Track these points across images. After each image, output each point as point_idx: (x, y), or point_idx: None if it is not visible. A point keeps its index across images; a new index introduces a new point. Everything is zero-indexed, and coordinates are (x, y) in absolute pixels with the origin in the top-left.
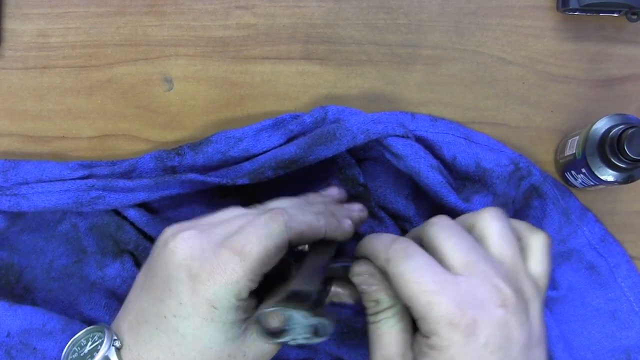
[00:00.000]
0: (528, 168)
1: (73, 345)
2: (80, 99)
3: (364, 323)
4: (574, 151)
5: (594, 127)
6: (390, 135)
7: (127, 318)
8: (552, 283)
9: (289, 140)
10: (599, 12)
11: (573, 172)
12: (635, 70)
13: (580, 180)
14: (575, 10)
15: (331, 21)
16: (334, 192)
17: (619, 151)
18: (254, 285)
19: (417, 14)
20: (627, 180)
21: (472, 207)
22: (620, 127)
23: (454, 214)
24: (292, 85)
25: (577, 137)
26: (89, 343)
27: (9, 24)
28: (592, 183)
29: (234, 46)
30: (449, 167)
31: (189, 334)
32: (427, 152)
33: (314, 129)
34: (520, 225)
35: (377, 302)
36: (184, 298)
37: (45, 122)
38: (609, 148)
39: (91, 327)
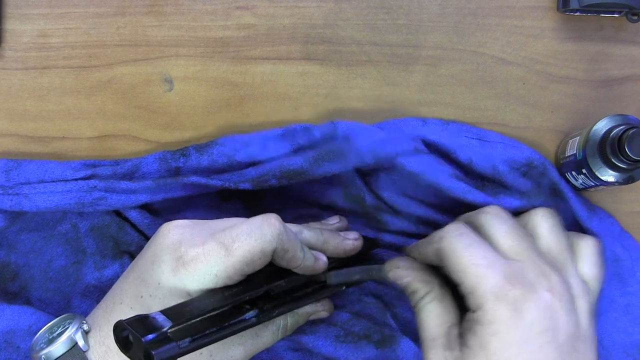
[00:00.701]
0: (543, 165)
1: (45, 332)
2: (81, 100)
3: (360, 327)
4: (575, 152)
5: (595, 127)
6: (400, 155)
7: (104, 303)
8: None
9: (295, 151)
10: (599, 12)
11: (574, 172)
12: (635, 70)
13: (581, 181)
14: (576, 10)
15: (331, 21)
16: (334, 220)
17: (619, 152)
18: (230, 282)
19: (417, 14)
20: (628, 180)
21: (504, 202)
22: (621, 127)
23: None
24: (292, 86)
25: (578, 137)
26: (60, 329)
27: (9, 24)
28: (592, 184)
29: (234, 46)
30: (465, 170)
31: None
32: (442, 161)
33: (322, 143)
34: (572, 233)
35: (414, 292)
36: (163, 279)
37: (45, 122)
38: (609, 149)
39: (65, 315)
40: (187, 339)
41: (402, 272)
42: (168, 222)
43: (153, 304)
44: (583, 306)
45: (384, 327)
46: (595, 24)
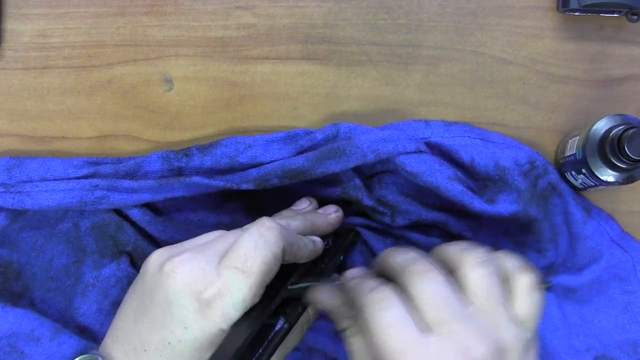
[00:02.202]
0: (545, 166)
1: None
2: (80, 99)
3: None
4: (574, 151)
5: (594, 127)
6: (401, 154)
7: (120, 346)
8: (577, 273)
9: (298, 154)
10: (599, 12)
11: (573, 172)
12: (635, 70)
13: (581, 181)
14: (576, 10)
15: (331, 21)
16: (304, 204)
17: (619, 151)
18: (257, 299)
19: (417, 14)
20: (627, 180)
21: (498, 209)
22: (621, 127)
23: (480, 217)
24: (292, 85)
25: (578, 137)
26: None
27: (9, 24)
28: (592, 183)
29: (234, 46)
30: (467, 170)
31: (196, 357)
32: (443, 162)
33: (325, 144)
34: (508, 263)
35: (335, 322)
36: (190, 323)
37: (45, 122)
38: (609, 148)
39: (83, 356)
40: None
41: (321, 305)
42: (167, 257)
43: (185, 349)
44: (516, 358)
45: None
46: (595, 24)
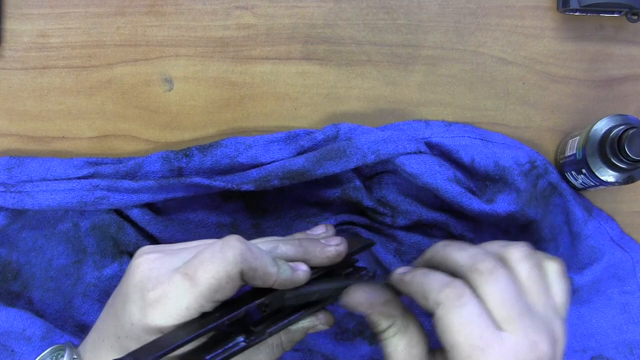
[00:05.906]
0: (545, 166)
1: None
2: (80, 99)
3: (353, 323)
4: (574, 152)
5: (594, 127)
6: (402, 154)
7: (92, 335)
8: (578, 273)
9: (298, 154)
10: (599, 12)
11: (573, 172)
12: (635, 70)
13: (581, 181)
14: (576, 10)
15: (331, 21)
16: (320, 230)
17: (619, 152)
18: (206, 310)
19: (417, 14)
20: (628, 180)
21: (497, 208)
22: (621, 127)
23: (479, 217)
24: (292, 86)
25: (578, 137)
26: None
27: (9, 24)
28: (592, 183)
29: (234, 46)
30: (467, 170)
31: None
32: (442, 163)
33: (325, 145)
34: (539, 253)
35: (375, 324)
36: (134, 319)
37: (45, 122)
38: (609, 148)
39: (57, 345)
40: None
41: (361, 307)
42: (140, 253)
43: (130, 345)
44: (562, 348)
45: None
46: (595, 24)
